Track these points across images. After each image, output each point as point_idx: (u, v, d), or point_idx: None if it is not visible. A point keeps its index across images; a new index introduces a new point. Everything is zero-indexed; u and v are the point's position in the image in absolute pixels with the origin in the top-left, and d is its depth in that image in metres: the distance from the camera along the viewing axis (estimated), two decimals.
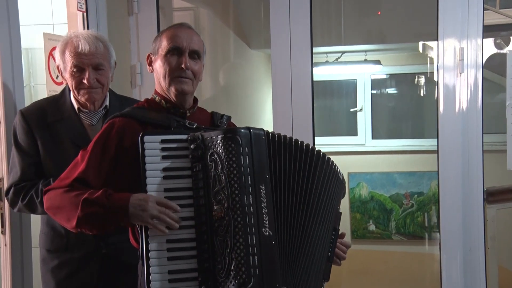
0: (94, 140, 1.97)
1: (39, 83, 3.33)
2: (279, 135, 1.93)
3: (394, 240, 5.21)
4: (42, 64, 2.89)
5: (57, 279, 2.35)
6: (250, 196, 1.81)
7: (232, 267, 1.75)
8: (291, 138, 1.96)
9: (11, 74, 2.41)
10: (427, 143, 5.07)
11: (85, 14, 2.92)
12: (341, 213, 2.12)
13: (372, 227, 5.28)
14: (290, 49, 3.00)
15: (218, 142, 1.83)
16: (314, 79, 5.20)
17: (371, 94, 5.35)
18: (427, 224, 5.17)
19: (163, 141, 1.86)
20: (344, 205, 5.22)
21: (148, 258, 1.78)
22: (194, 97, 2.11)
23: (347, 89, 5.47)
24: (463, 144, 2.85)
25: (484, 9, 2.82)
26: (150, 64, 2.10)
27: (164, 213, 1.79)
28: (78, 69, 2.27)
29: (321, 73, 5.21)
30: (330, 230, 2.00)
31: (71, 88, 2.31)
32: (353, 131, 5.39)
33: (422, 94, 5.26)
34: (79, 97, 2.32)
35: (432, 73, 4.81)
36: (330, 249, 2.01)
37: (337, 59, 5.17)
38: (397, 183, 5.21)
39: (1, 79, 2.36)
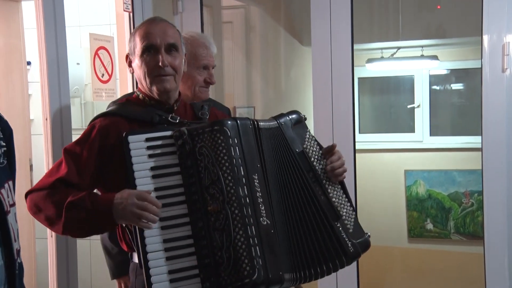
0: (76, 141, 1.95)
1: (87, 82, 3.47)
2: (264, 121, 1.90)
3: (452, 240, 5.08)
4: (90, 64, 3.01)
5: None
6: (245, 187, 1.78)
7: (234, 260, 1.72)
8: (275, 123, 1.93)
9: (57, 72, 2.51)
10: None
11: (131, 14, 3.01)
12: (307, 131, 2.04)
13: (429, 226, 5.16)
14: (330, 46, 3.00)
15: (205, 135, 1.80)
16: (370, 75, 5.19)
17: (430, 90, 5.22)
18: None
19: (148, 140, 1.83)
20: (401, 203, 5.17)
21: (146, 260, 1.74)
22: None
23: (404, 85, 5.36)
24: (508, 141, 2.77)
25: None
26: (130, 65, 2.03)
27: (145, 208, 1.72)
28: None
29: (376, 69, 5.13)
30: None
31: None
32: (410, 128, 5.29)
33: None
34: None
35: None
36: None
37: (392, 54, 5.08)
38: (456, 181, 5.08)
39: (47, 77, 2.47)
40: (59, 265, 2.52)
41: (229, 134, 1.80)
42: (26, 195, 1.90)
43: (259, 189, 1.81)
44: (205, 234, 1.76)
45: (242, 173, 1.79)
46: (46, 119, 2.49)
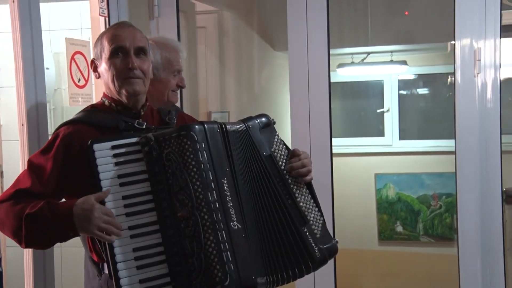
0: (40, 151, 1.92)
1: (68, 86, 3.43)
2: (231, 124, 1.90)
3: (422, 242, 5.16)
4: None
5: None
6: (214, 191, 1.75)
7: (206, 267, 1.70)
8: (243, 126, 1.93)
9: (33, 77, 2.47)
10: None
11: (107, 18, 2.98)
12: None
13: (399, 228, 5.23)
14: (307, 50, 3.02)
15: (172, 141, 1.77)
16: (340, 80, 5.25)
17: (399, 94, 5.31)
18: (455, 225, 5.09)
19: (113, 147, 1.80)
20: (371, 206, 5.23)
21: (116, 270, 1.71)
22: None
23: (374, 90, 5.44)
24: (480, 144, 2.83)
25: (502, 8, 2.79)
26: (96, 70, 2.01)
27: (110, 223, 1.71)
28: None
29: (347, 74, 5.20)
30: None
31: None
32: (380, 132, 5.36)
33: (448, 95, 5.20)
34: None
35: None
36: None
37: (362, 60, 5.15)
38: (425, 184, 5.16)
39: (23, 82, 2.43)
40: (36, 273, 2.47)
41: (196, 139, 1.77)
42: None
43: (228, 193, 1.80)
44: (176, 241, 1.74)
45: (211, 178, 1.77)
46: (23, 125, 2.45)
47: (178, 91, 2.47)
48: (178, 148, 1.76)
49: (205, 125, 1.82)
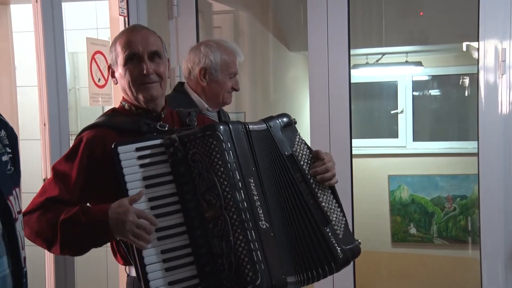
0: (64, 157, 1.91)
1: (83, 86, 3.43)
2: (253, 124, 1.89)
3: (435, 244, 5.13)
4: (85, 68, 2.97)
5: None
6: (241, 191, 1.75)
7: (236, 267, 1.68)
8: (264, 126, 1.92)
9: (55, 77, 2.47)
10: (470, 146, 4.96)
11: (126, 18, 2.98)
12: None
13: (413, 230, 5.20)
14: (327, 50, 3.00)
15: (198, 141, 1.77)
16: (354, 80, 5.21)
17: (413, 95, 5.28)
18: (470, 228, 5.07)
19: (138, 149, 1.79)
20: (384, 208, 5.20)
21: (145, 273, 1.69)
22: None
23: (388, 91, 5.41)
24: (504, 146, 2.80)
25: None
26: (113, 75, 2.00)
27: (143, 227, 1.69)
28: None
29: (361, 75, 5.17)
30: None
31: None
32: (393, 133, 5.33)
33: (466, 95, 5.17)
34: None
35: (475, 74, 4.74)
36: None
37: (377, 60, 5.12)
38: (439, 186, 5.13)
39: (45, 82, 2.43)
40: (57, 273, 2.47)
41: (222, 139, 1.77)
42: None
43: (255, 193, 1.79)
44: (204, 242, 1.72)
45: (238, 177, 1.76)
46: (44, 124, 2.45)
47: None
48: (204, 149, 1.76)
49: (230, 125, 1.82)
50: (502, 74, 2.79)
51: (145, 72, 1.90)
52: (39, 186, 2.64)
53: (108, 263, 3.66)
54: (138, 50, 1.90)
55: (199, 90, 2.50)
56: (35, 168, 2.87)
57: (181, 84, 2.60)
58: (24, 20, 3.42)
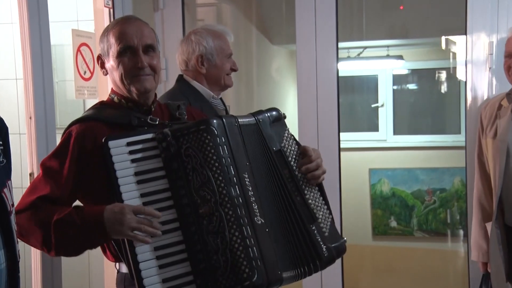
0: (53, 153, 1.86)
1: (66, 79, 3.35)
2: (242, 118, 1.87)
3: (416, 237, 5.17)
4: (70, 60, 2.91)
5: None
6: (236, 186, 1.73)
7: (232, 263, 1.66)
8: (253, 120, 1.90)
9: (41, 70, 2.41)
10: (450, 139, 5.03)
11: (111, 10, 2.92)
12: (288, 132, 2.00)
13: (393, 223, 5.24)
14: (315, 45, 2.99)
15: (191, 136, 1.73)
16: None
17: (393, 89, 5.31)
18: (449, 220, 5.12)
19: (129, 144, 1.75)
20: (365, 202, 5.22)
21: (138, 271, 1.66)
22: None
23: (369, 84, 5.43)
24: None
25: None
26: (103, 66, 1.95)
27: (144, 223, 1.67)
28: None
29: (343, 69, 5.17)
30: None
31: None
32: (374, 127, 5.36)
33: (443, 90, 5.22)
34: None
35: (454, 68, 4.78)
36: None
37: (358, 54, 5.13)
38: (419, 179, 5.17)
39: (31, 75, 2.37)
40: (43, 271, 2.42)
41: (216, 133, 1.74)
42: None
43: (250, 188, 1.76)
44: (199, 238, 1.69)
45: (233, 173, 1.74)
46: (30, 118, 2.39)
47: None
48: (198, 143, 1.72)
49: (224, 119, 1.79)
50: (490, 68, 2.81)
51: (139, 65, 1.86)
52: (21, 180, 2.57)
53: (90, 257, 3.60)
54: (133, 43, 1.86)
55: (199, 79, 2.48)
56: (15, 162, 2.80)
57: (181, 76, 2.58)
58: (3, 12, 3.33)
